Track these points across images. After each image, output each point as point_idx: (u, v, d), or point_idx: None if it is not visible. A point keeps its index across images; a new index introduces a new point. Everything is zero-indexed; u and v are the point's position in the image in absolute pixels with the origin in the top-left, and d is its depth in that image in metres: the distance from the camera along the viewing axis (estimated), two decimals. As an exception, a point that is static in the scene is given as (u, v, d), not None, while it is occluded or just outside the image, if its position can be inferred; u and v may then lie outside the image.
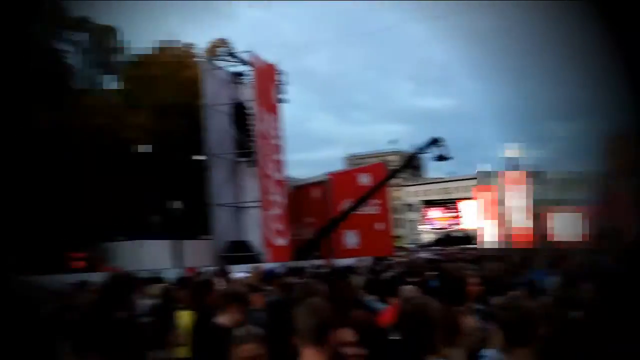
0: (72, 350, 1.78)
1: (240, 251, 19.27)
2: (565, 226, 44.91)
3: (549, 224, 46.55)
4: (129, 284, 3.93)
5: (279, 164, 21.05)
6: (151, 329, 4.12)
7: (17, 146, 20.34)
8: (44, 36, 24.08)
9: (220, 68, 22.12)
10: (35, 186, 20.58)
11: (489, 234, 47.09)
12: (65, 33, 24.92)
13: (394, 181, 26.19)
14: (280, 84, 22.02)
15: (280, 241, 19.74)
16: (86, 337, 1.80)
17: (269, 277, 7.42)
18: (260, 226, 19.67)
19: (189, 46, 28.09)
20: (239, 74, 22.19)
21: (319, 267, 10.67)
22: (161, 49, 28.41)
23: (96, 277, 8.86)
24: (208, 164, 20.45)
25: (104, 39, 26.21)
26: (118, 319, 3.02)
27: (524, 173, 47.89)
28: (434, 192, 59.15)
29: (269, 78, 21.33)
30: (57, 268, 17.29)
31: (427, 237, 51.71)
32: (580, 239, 42.85)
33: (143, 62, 27.64)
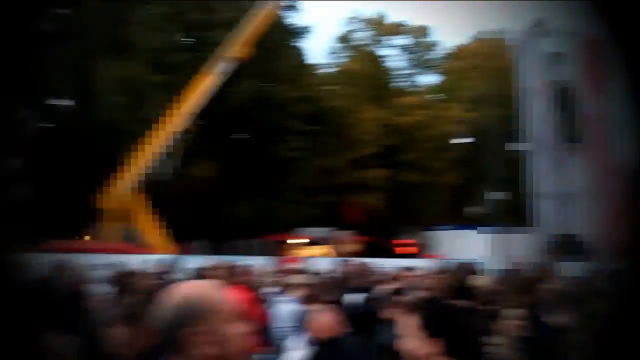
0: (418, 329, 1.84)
1: (568, 246, 17.64)
2: None
3: None
4: (469, 273, 3.98)
5: (613, 149, 18.48)
6: (482, 316, 4.08)
7: (351, 141, 23.18)
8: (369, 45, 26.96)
9: (536, 50, 20.57)
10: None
11: None
12: (385, 39, 27.28)
13: None
14: (611, 59, 19.21)
15: (620, 236, 17.22)
16: (432, 321, 1.85)
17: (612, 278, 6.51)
18: (593, 219, 17.61)
19: (502, 32, 27.24)
20: (558, 53, 20.21)
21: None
22: (474, 40, 28.38)
23: (421, 263, 9.29)
24: (528, 152, 19.42)
25: (420, 39, 27.67)
26: (460, 307, 3.08)
27: None
28: None
29: (596, 53, 18.90)
30: (385, 253, 19.06)
31: None
32: None
33: (457, 56, 28.11)
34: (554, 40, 20.14)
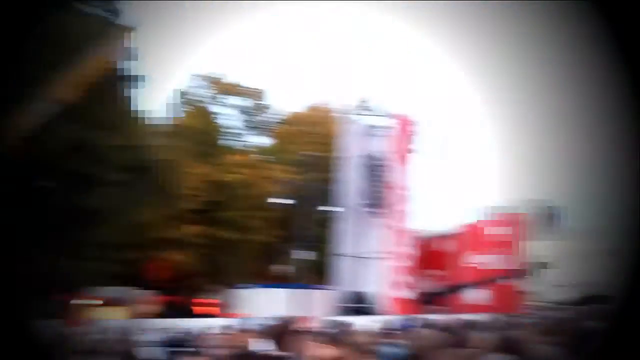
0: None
1: (359, 302, 19.44)
2: None
3: None
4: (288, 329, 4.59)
5: (407, 216, 21.25)
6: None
7: (171, 196, 22.79)
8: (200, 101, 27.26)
9: (357, 122, 22.73)
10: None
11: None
12: (220, 97, 27.93)
13: (529, 234, 25.16)
14: (416, 135, 22.22)
15: (404, 293, 19.72)
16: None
17: (394, 329, 7.60)
18: (384, 277, 19.84)
19: (330, 104, 29.72)
20: (374, 127, 22.67)
21: (444, 321, 10.60)
22: (307, 109, 30.49)
23: (221, 323, 9.36)
24: (337, 215, 21.23)
25: (254, 102, 28.89)
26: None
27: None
28: (571, 247, 55.01)
29: (404, 131, 21.85)
30: (183, 313, 18.66)
31: (564, 294, 47.64)
32: None
33: (287, 121, 29.92)
34: (372, 116, 22.73)
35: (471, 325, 8.70)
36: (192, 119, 25.53)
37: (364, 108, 23.32)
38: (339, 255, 20.75)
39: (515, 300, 22.32)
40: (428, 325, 9.15)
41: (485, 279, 21.68)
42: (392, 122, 21.78)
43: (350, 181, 21.66)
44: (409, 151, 21.95)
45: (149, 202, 21.26)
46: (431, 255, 22.56)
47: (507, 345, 5.42)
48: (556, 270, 51.66)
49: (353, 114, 22.93)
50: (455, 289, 21.56)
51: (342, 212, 21.26)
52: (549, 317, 13.68)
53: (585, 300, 41.59)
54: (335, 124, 23.87)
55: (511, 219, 24.22)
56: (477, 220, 23.94)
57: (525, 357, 4.47)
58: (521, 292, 23.81)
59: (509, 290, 22.49)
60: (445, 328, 7.47)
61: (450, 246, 22.80)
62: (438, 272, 22.45)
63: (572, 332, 7.41)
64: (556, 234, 63.82)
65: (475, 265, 21.85)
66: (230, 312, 19.75)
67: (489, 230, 23.08)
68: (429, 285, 21.97)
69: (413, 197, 21.52)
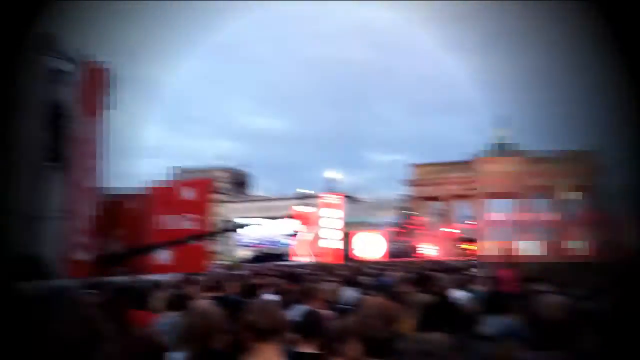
0: None
1: (29, 266, 17.32)
2: (367, 245, 50.38)
3: (353, 243, 51.42)
4: None
5: (93, 172, 19.86)
6: None
7: None
8: None
9: (40, 64, 19.74)
10: None
11: (302, 251, 50.11)
12: None
13: (218, 197, 26.46)
14: (109, 88, 20.75)
15: (82, 255, 18.50)
16: None
17: (64, 293, 7.20)
18: (61, 238, 18.21)
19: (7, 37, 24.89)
20: (61, 72, 20.08)
21: (122, 283, 10.32)
22: None
23: None
24: (10, 168, 18.45)
25: None
26: None
27: (340, 196, 52.22)
28: (255, 210, 60.86)
29: (96, 80, 20.12)
30: None
31: (245, 254, 53.11)
32: (379, 257, 48.39)
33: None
34: (56, 59, 19.92)
35: (154, 286, 8.85)
36: None
37: (49, 48, 20.47)
38: (9, 213, 18.06)
39: (201, 260, 23.40)
40: (103, 287, 8.86)
41: (173, 240, 21.99)
42: (82, 69, 19.81)
43: (28, 130, 18.94)
44: (100, 103, 20.42)
45: None
46: (118, 215, 21.70)
47: (174, 303, 5.60)
48: (241, 231, 56.55)
49: (35, 53, 19.95)
50: (142, 250, 21.28)
51: (16, 164, 18.49)
52: (222, 274, 14.78)
53: (262, 258, 47.02)
54: (14, 62, 20.34)
55: (201, 182, 25.09)
56: (167, 181, 24.17)
57: (189, 311, 4.69)
58: (207, 253, 25.12)
59: (196, 250, 23.38)
60: (122, 289, 7.36)
61: (138, 206, 22.33)
62: (124, 233, 21.79)
63: (242, 287, 8.17)
64: (244, 198, 69.66)
65: (163, 226, 21.93)
66: None
67: (178, 192, 23.45)
68: (113, 247, 21.15)
69: (100, 152, 20.17)
